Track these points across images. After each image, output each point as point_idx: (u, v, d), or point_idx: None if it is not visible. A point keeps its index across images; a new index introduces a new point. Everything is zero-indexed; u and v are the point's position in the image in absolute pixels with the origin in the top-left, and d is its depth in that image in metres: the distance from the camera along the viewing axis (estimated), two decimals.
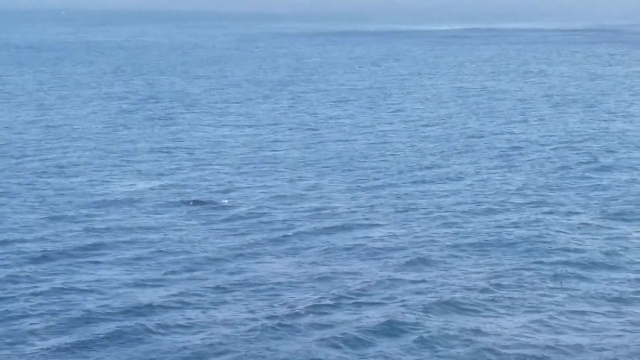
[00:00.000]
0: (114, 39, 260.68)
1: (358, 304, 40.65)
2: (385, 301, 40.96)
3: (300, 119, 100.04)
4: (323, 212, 57.65)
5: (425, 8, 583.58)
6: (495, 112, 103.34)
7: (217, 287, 43.12)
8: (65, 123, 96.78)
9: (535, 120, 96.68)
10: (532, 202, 59.52)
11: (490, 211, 57.27)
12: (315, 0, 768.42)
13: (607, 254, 47.77)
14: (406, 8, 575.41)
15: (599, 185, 64.56)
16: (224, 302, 41.15)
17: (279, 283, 43.54)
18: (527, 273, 44.68)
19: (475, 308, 40.00)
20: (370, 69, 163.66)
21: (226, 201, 60.86)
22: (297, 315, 39.28)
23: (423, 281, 43.74)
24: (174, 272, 45.51)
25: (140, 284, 43.76)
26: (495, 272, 44.98)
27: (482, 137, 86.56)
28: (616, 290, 42.33)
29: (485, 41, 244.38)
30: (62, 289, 42.92)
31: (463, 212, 57.12)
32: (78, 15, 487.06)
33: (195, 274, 45.33)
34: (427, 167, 72.12)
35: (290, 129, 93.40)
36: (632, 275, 44.57)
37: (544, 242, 49.97)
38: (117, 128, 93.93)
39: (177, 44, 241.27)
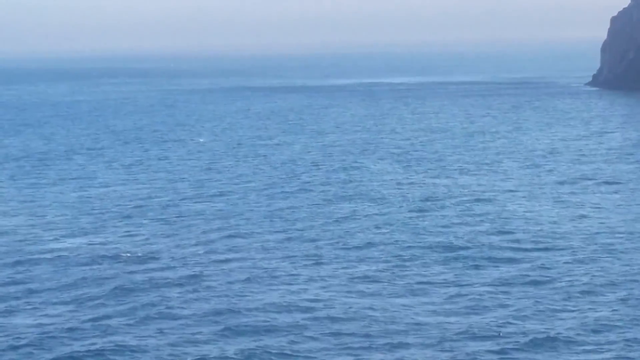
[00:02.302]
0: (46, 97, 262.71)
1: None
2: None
3: (203, 171, 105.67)
4: (236, 261, 63.46)
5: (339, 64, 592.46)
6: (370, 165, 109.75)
7: (139, 334, 48.74)
8: None
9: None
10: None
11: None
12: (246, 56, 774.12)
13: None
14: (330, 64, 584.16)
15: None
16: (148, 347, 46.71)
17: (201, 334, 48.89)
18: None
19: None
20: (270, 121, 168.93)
21: (133, 253, 66.18)
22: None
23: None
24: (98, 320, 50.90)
25: (59, 334, 49.09)
26: None
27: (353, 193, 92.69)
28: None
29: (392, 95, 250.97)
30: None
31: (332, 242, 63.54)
32: None
33: (115, 323, 50.68)
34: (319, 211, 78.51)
35: (198, 181, 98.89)
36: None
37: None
38: (31, 187, 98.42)
39: (108, 99, 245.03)
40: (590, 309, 52.06)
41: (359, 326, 49.37)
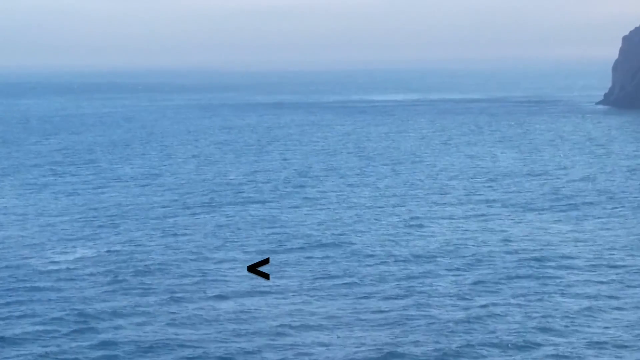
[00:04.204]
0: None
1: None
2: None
3: (207, 183, 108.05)
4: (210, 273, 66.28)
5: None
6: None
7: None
8: None
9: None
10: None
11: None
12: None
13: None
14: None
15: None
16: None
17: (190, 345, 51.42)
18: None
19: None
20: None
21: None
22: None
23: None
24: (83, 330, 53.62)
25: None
26: None
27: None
28: None
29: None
30: None
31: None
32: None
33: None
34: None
35: (201, 191, 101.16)
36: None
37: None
38: (35, 198, 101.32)
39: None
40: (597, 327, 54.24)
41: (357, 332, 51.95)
